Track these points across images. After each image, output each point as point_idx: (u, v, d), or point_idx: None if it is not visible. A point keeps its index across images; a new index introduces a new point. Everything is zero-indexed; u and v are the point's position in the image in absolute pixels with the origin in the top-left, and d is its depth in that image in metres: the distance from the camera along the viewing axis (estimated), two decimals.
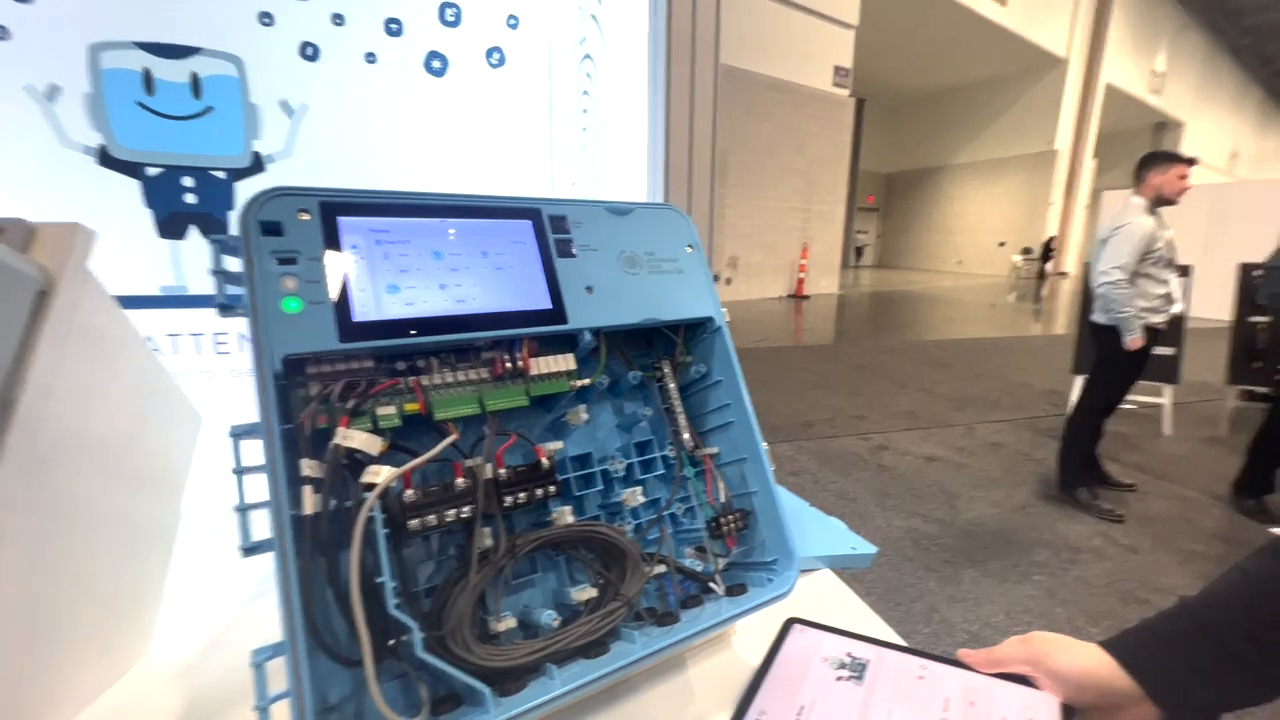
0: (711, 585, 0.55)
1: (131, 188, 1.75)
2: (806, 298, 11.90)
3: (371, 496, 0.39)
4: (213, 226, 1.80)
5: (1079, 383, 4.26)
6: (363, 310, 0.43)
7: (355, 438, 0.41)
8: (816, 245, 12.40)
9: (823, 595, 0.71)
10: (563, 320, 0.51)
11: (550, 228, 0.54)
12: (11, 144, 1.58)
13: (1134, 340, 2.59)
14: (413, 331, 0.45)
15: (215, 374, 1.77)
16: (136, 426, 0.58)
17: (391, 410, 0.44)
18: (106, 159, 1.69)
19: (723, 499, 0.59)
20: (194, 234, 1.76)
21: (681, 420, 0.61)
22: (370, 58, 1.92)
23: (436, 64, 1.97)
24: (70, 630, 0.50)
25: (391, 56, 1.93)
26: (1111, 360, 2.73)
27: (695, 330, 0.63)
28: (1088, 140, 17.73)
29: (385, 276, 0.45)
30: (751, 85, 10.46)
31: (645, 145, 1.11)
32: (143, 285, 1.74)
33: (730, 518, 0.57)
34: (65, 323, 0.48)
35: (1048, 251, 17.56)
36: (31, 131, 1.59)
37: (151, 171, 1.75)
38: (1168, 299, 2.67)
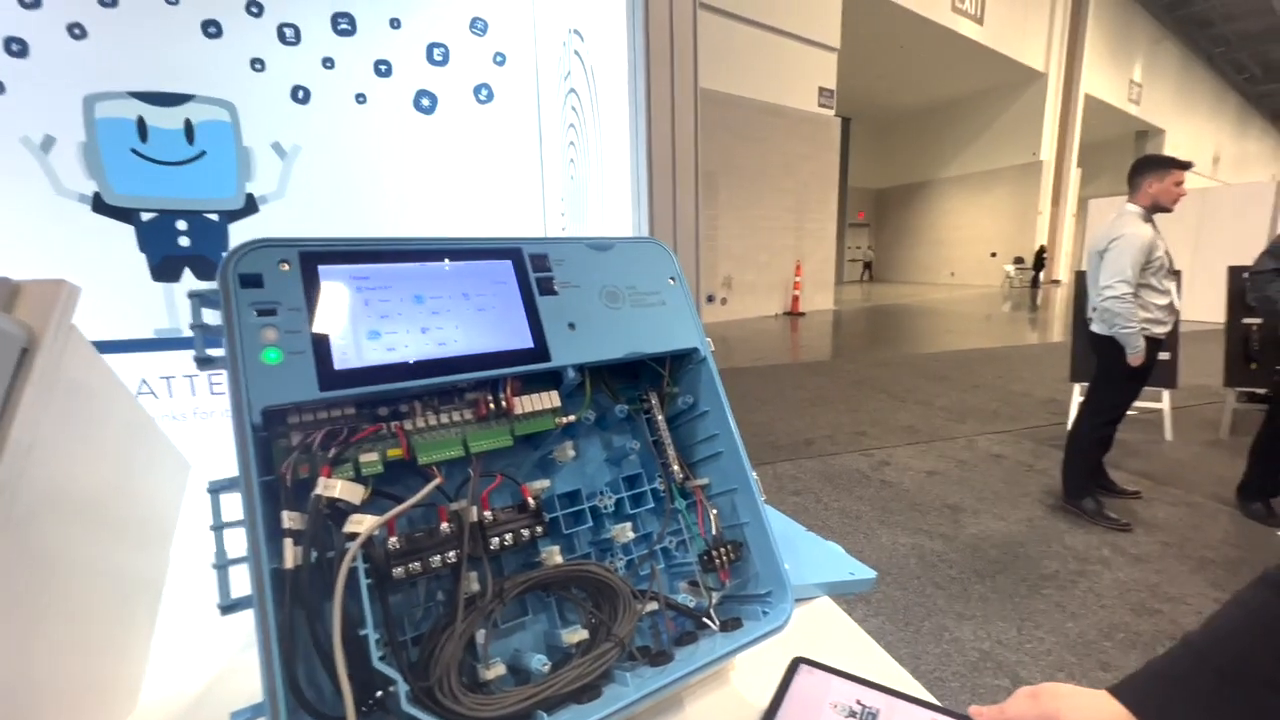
0: (706, 621, 0.54)
1: (126, 233, 1.77)
2: (802, 314, 11.94)
3: (354, 547, 0.39)
4: (206, 269, 1.82)
5: (1078, 391, 4.26)
6: (343, 358, 0.43)
7: (337, 487, 0.40)
8: (810, 262, 12.50)
9: (822, 625, 0.70)
10: (545, 358, 0.51)
11: (531, 266, 0.54)
12: (7, 194, 1.60)
13: (1137, 357, 2.52)
14: (410, 363, 0.45)
15: (210, 414, 1.76)
16: (122, 479, 0.58)
17: (374, 457, 0.44)
18: (100, 205, 1.71)
19: (714, 531, 0.59)
20: (188, 276, 1.78)
21: (670, 452, 0.60)
22: (360, 98, 1.96)
23: (425, 102, 2.01)
24: (57, 687, 0.49)
25: (381, 96, 1.97)
26: (1114, 371, 2.67)
27: (681, 361, 0.63)
28: (1071, 150, 18.02)
29: (366, 323, 0.45)
30: (739, 109, 10.65)
31: (630, 173, 1.13)
32: (137, 329, 1.75)
33: (722, 550, 0.56)
34: (48, 379, 0.48)
35: (1040, 260, 17.71)
36: (26, 181, 1.61)
37: (145, 216, 1.77)
38: (1170, 308, 2.60)
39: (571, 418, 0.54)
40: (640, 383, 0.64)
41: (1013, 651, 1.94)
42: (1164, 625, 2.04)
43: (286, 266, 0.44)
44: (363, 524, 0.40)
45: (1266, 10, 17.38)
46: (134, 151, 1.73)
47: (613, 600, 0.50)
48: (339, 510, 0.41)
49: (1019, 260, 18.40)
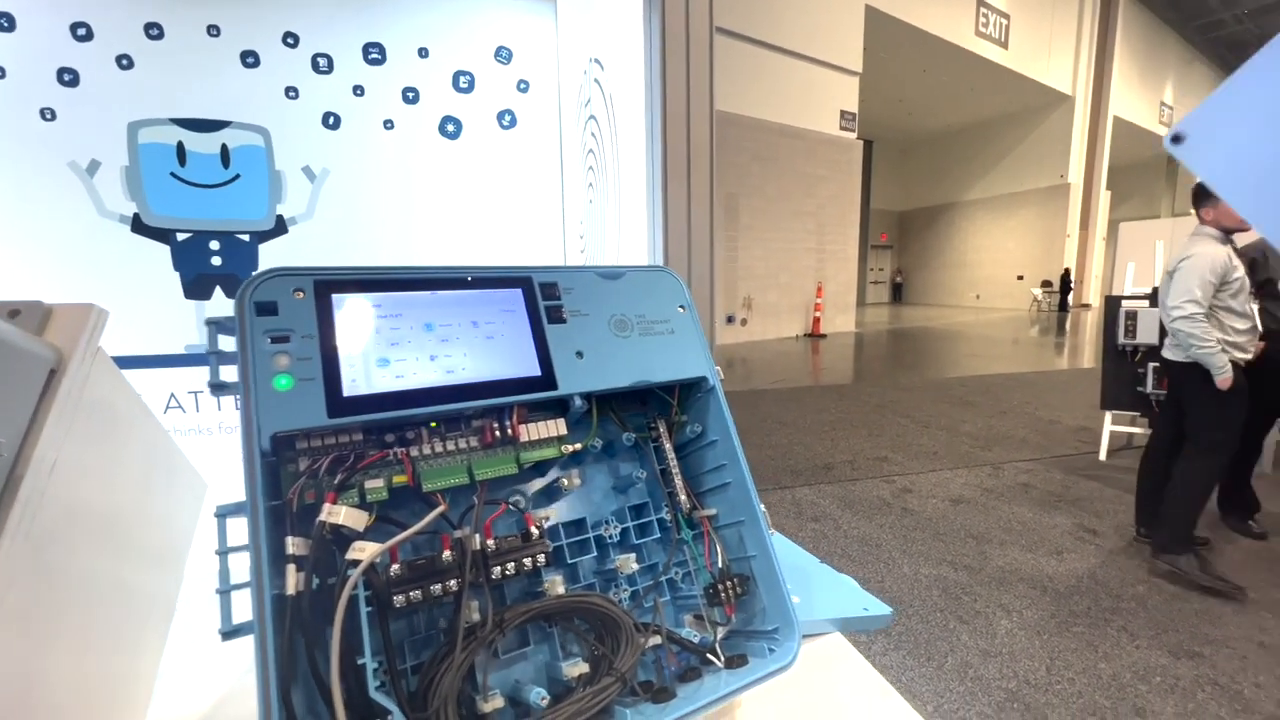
0: (710, 657, 0.53)
1: (161, 252, 1.84)
2: (823, 336, 11.84)
3: (355, 575, 0.39)
4: (236, 287, 1.87)
5: (1109, 419, 4.12)
6: (352, 385, 0.44)
7: (340, 513, 0.41)
8: (831, 284, 12.42)
9: (833, 663, 0.68)
10: (552, 386, 0.52)
11: (541, 295, 0.55)
12: (54, 215, 1.68)
13: (1224, 379, 2.34)
14: (418, 390, 0.46)
15: (234, 430, 1.80)
16: (141, 499, 0.59)
17: (379, 483, 0.44)
18: (139, 226, 1.79)
19: (720, 563, 0.58)
20: (218, 295, 1.84)
21: (677, 481, 0.60)
22: (388, 124, 2.03)
23: (451, 128, 2.07)
24: (65, 703, 0.50)
25: (409, 122, 2.04)
26: (1204, 399, 2.45)
27: (690, 390, 0.63)
28: (1100, 173, 17.73)
29: (376, 350, 0.46)
30: (761, 132, 10.73)
31: (646, 197, 1.15)
32: (169, 344, 1.80)
33: (729, 584, 0.55)
34: (73, 399, 0.50)
35: (1066, 283, 17.35)
36: (73, 203, 1.70)
37: (180, 236, 1.85)
38: (1253, 330, 2.44)
39: (577, 446, 0.54)
40: (649, 411, 0.64)
41: (1041, 692, 1.86)
42: (1205, 670, 1.94)
43: (301, 295, 0.45)
44: (365, 551, 0.40)
45: None
46: (173, 175, 1.81)
47: (615, 633, 0.49)
48: (343, 536, 0.41)
49: (1046, 283, 18.04)
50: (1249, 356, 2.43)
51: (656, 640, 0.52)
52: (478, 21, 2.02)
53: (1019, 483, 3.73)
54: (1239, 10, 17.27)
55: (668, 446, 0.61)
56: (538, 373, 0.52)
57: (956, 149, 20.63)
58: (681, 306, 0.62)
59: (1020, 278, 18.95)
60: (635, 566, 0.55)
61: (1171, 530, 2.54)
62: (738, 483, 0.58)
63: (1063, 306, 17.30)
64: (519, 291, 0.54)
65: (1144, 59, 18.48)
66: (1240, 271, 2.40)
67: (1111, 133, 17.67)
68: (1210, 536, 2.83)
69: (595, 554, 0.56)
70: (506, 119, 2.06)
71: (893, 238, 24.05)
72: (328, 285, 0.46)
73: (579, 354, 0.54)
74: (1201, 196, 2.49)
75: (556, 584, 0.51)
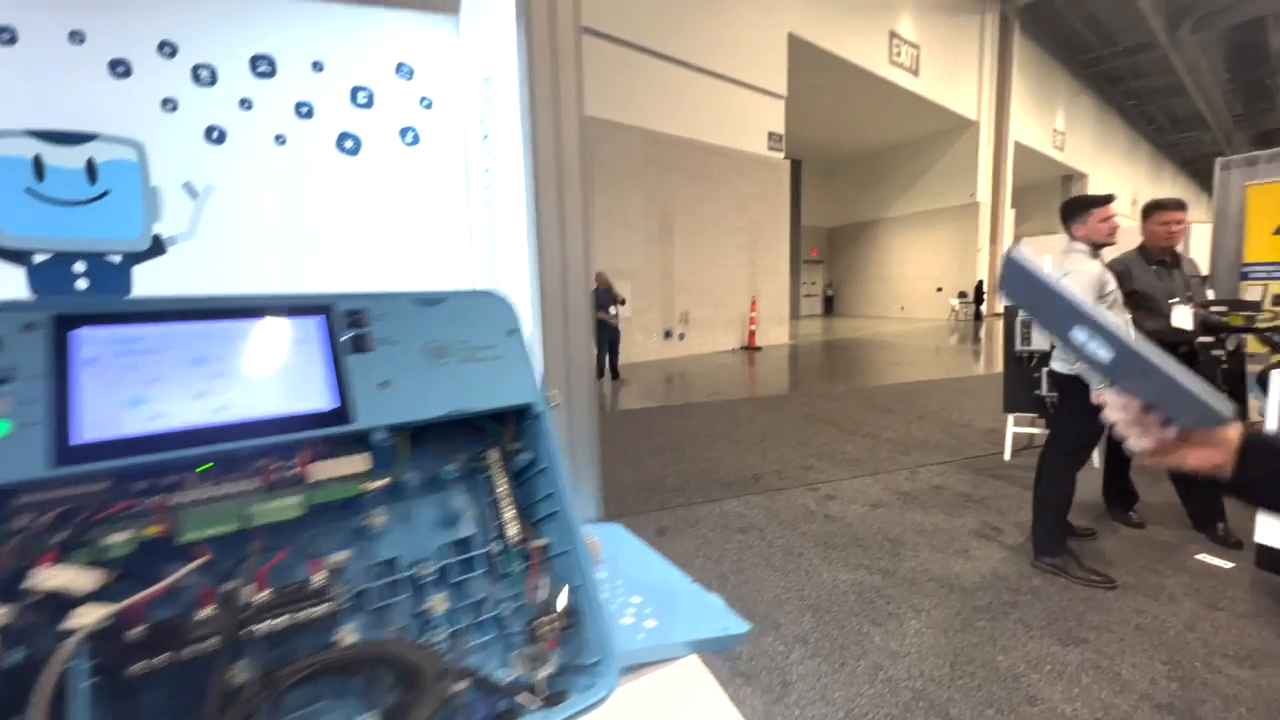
0: (521, 699, 0.50)
1: (16, 275, 1.67)
2: (758, 349, 12.15)
3: (67, 644, 0.35)
4: None
5: (1011, 421, 4.41)
6: (91, 429, 0.40)
7: (59, 576, 0.36)
8: (765, 298, 12.80)
9: (686, 687, 0.67)
10: (346, 420, 0.49)
11: (344, 323, 0.52)
12: None
13: (1100, 395, 2.47)
14: (175, 432, 0.42)
15: None
16: None
17: (124, 537, 0.40)
18: None
19: (544, 596, 0.56)
20: None
21: (508, 513, 0.58)
22: (280, 139, 1.93)
23: (349, 144, 1.99)
24: None
25: (302, 138, 1.94)
26: (1079, 409, 2.58)
27: (523, 416, 0.61)
28: (1005, 192, 19.25)
29: (127, 390, 0.42)
30: (692, 151, 11.01)
31: (524, 215, 1.13)
32: None
33: (549, 618, 0.54)
34: None
35: (980, 294, 18.63)
36: None
37: (38, 258, 1.68)
38: None
39: (382, 482, 0.52)
40: (485, 439, 0.62)
41: (945, 689, 1.93)
42: (1089, 655, 2.07)
43: (33, 331, 0.40)
44: (87, 616, 0.36)
45: (1169, 70, 19.21)
46: (29, 191, 1.65)
47: (415, 681, 0.46)
48: (65, 602, 0.37)
49: (963, 295, 19.30)
50: None
51: (461, 685, 0.49)
52: (376, 36, 1.95)
53: (933, 485, 3.92)
54: (1115, 48, 19.29)
55: (497, 476, 0.59)
56: (332, 406, 0.49)
57: (878, 168, 21.88)
58: (510, 331, 0.61)
59: (939, 289, 20.18)
60: (446, 606, 0.52)
61: (1045, 532, 2.72)
62: (563, 511, 0.57)
63: (977, 316, 18.53)
64: (319, 320, 0.51)
65: (1037, 90, 20.29)
66: (1114, 284, 2.58)
67: (1013, 156, 19.25)
68: (1095, 528, 3.06)
69: (411, 595, 0.53)
70: (409, 136, 2.00)
71: (824, 253, 25.12)
72: (71, 320, 0.42)
73: (384, 384, 0.52)
74: (1070, 214, 2.66)
75: (349, 633, 0.47)
